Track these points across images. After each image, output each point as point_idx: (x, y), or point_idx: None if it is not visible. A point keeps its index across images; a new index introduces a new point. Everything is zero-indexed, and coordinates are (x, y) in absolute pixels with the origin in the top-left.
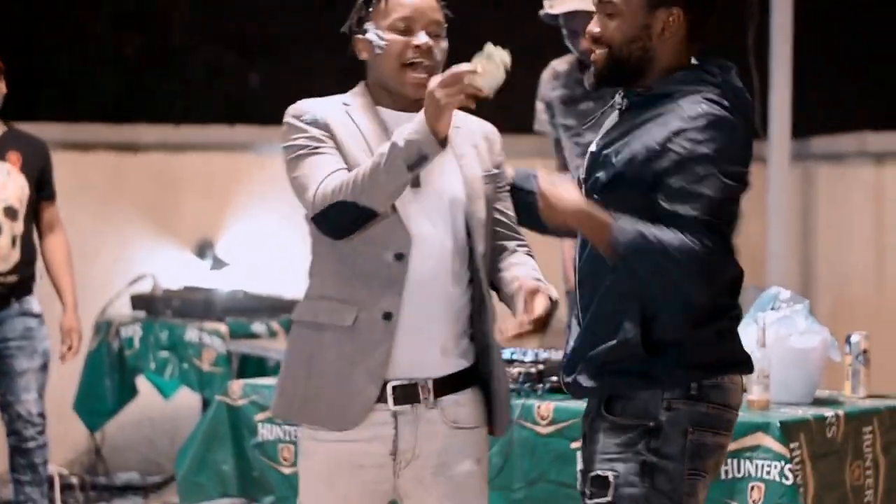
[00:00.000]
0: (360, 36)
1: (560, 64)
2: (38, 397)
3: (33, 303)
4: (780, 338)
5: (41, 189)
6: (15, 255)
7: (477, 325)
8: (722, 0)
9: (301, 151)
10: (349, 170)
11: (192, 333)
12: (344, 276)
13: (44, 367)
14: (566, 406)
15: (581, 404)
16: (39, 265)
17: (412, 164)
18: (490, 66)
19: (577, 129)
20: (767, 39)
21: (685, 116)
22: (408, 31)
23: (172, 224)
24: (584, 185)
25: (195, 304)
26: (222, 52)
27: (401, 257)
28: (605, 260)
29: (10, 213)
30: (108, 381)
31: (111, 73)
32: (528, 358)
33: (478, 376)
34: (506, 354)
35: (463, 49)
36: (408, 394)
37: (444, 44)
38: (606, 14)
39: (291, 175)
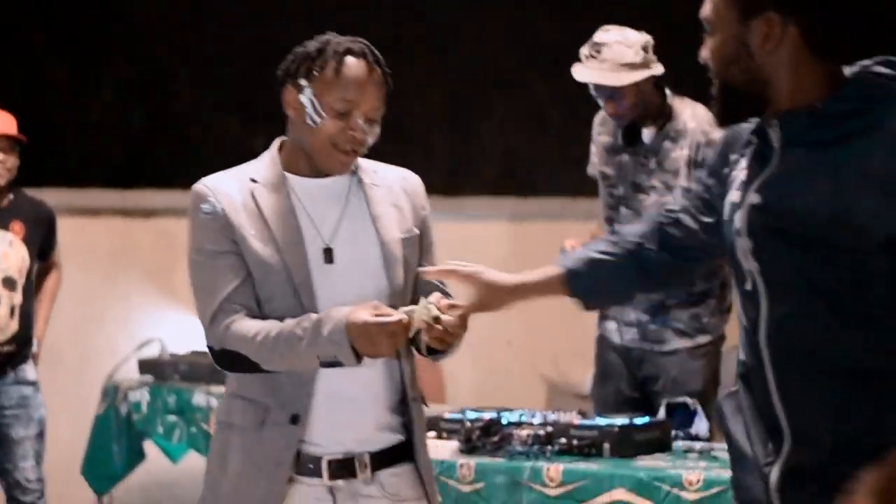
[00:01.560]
0: (292, 91)
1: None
2: (35, 464)
3: (29, 371)
4: None
5: (43, 255)
6: (13, 326)
7: (404, 393)
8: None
9: (198, 257)
10: (245, 285)
11: (199, 397)
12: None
13: (40, 435)
14: (575, 468)
15: (591, 465)
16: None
17: (325, 362)
18: (424, 318)
19: (613, 181)
20: None
21: None
22: (346, 114)
23: (179, 288)
24: (754, 254)
25: (203, 369)
26: (226, 117)
27: None
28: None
29: (9, 283)
30: (116, 445)
31: (116, 139)
32: (537, 420)
33: (409, 447)
34: (514, 417)
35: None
36: (344, 468)
37: (378, 128)
38: (707, 34)
39: (190, 277)
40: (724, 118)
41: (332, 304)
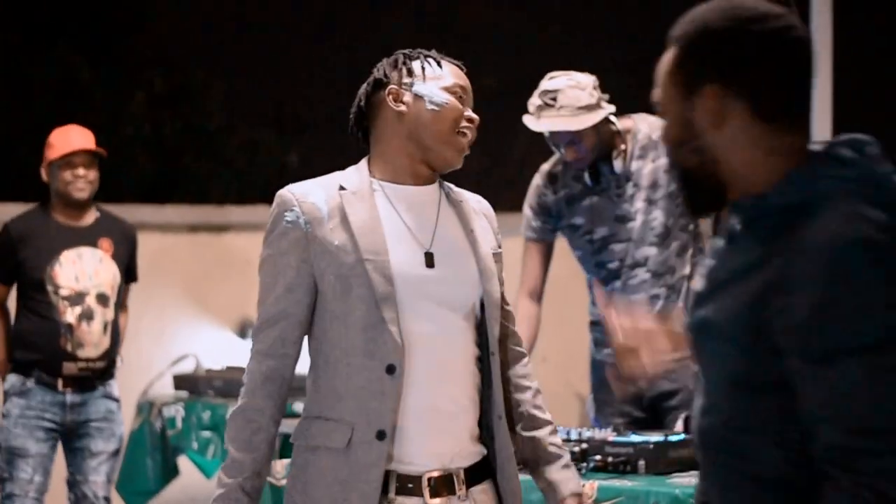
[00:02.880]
0: (405, 89)
1: (553, 166)
2: (106, 481)
3: (114, 387)
4: None
5: (127, 274)
6: (105, 342)
7: (487, 409)
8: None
9: (266, 264)
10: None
11: None
12: (337, 392)
13: (116, 453)
14: (610, 485)
15: (626, 482)
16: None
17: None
18: None
19: (588, 227)
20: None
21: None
22: (462, 101)
23: (214, 304)
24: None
25: (237, 384)
26: (260, 131)
27: (392, 370)
28: None
29: (103, 299)
30: (151, 461)
31: (150, 154)
32: (573, 437)
33: (489, 463)
34: None
35: None
36: (443, 485)
37: None
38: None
39: (259, 275)
40: (692, 209)
41: (426, 310)
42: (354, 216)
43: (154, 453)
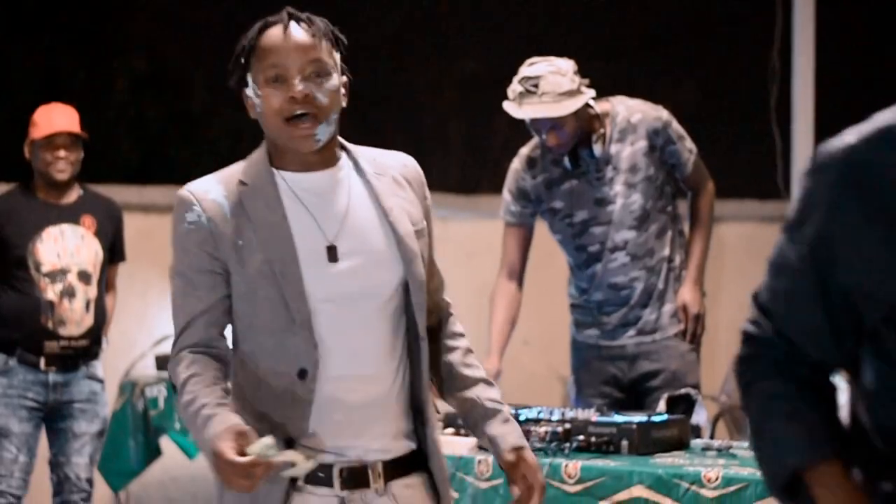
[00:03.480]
0: (245, 92)
1: (532, 150)
2: (89, 462)
3: (98, 368)
4: None
5: (112, 252)
6: (88, 320)
7: (416, 395)
8: (745, 60)
9: (176, 269)
10: (213, 310)
11: None
12: (250, 393)
13: (100, 434)
14: (593, 465)
15: (609, 462)
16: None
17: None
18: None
19: (567, 210)
20: (789, 100)
21: None
22: (279, 80)
23: None
24: None
25: None
26: (242, 114)
27: (303, 374)
28: None
29: (85, 277)
30: (133, 441)
31: (133, 138)
32: (555, 417)
33: (422, 455)
34: (532, 414)
35: None
36: (357, 477)
37: (333, 81)
38: None
39: (171, 280)
40: None
41: (337, 306)
42: (256, 213)
43: (136, 434)
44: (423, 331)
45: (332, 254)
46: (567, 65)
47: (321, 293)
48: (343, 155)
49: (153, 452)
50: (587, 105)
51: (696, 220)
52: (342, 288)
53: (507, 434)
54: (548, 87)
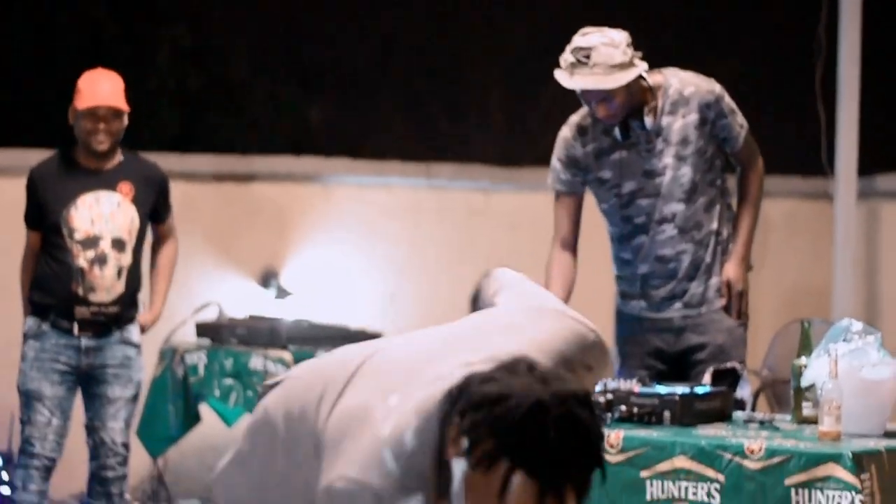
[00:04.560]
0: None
1: (582, 119)
2: (124, 427)
3: (134, 332)
4: (852, 369)
5: (156, 216)
6: (119, 287)
7: None
8: (791, 37)
9: None
10: None
11: (256, 361)
12: None
13: (135, 398)
14: (635, 434)
15: (652, 432)
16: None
17: None
18: None
19: (615, 180)
20: (834, 77)
21: None
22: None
23: (237, 253)
24: None
25: (260, 333)
26: (284, 85)
27: None
28: None
29: (118, 244)
30: (172, 407)
31: (173, 108)
32: (597, 387)
33: None
34: None
35: None
36: None
37: None
38: None
39: None
40: None
41: None
42: None
43: (175, 400)
44: None
45: None
46: (620, 36)
47: None
48: None
49: (192, 419)
50: (640, 77)
51: (745, 196)
52: None
53: None
54: (600, 58)
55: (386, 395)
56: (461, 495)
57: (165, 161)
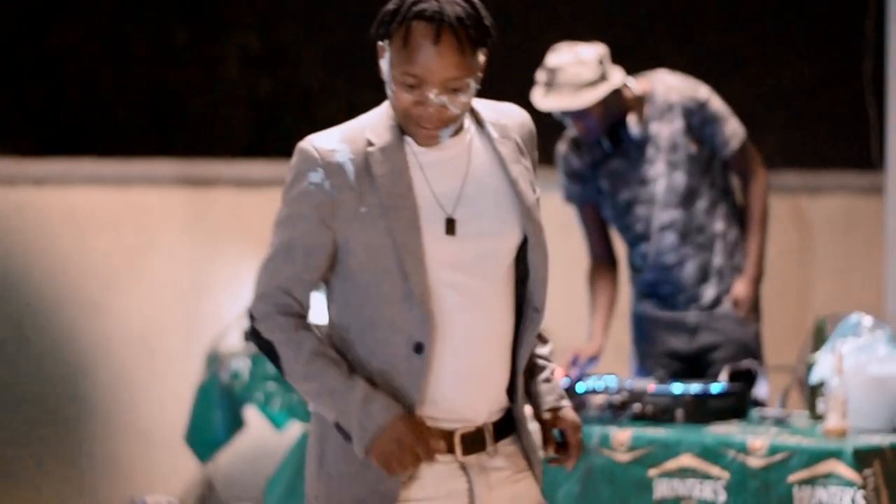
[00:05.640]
0: (380, 51)
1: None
2: None
3: None
4: (859, 364)
5: None
6: None
7: (514, 364)
8: (839, 31)
9: (282, 223)
10: (311, 283)
11: None
12: (360, 364)
13: None
14: (643, 433)
15: (659, 431)
16: None
17: (337, 427)
18: None
19: (612, 189)
20: (884, 67)
21: None
22: (415, 87)
23: None
24: None
25: None
26: (357, 91)
27: (420, 348)
28: None
29: None
30: (218, 412)
31: (244, 116)
32: (613, 386)
33: (511, 417)
34: (588, 385)
35: None
36: (474, 442)
37: (469, 91)
38: None
39: (272, 236)
40: None
41: (454, 280)
42: (384, 180)
43: (221, 405)
44: (542, 303)
45: (450, 226)
46: (590, 53)
47: (440, 266)
48: (466, 118)
49: (237, 424)
50: (624, 87)
51: (749, 214)
52: (461, 261)
53: (546, 393)
54: (566, 78)
55: None
56: (388, 74)
57: (219, 169)
